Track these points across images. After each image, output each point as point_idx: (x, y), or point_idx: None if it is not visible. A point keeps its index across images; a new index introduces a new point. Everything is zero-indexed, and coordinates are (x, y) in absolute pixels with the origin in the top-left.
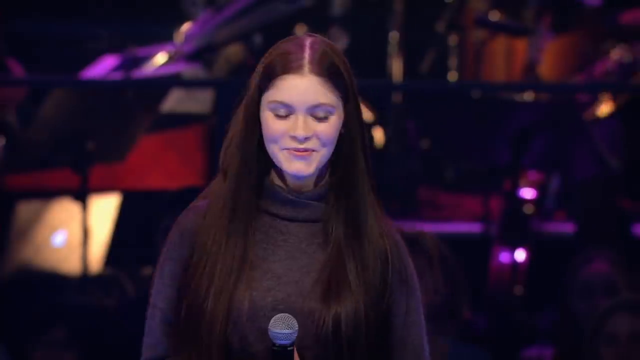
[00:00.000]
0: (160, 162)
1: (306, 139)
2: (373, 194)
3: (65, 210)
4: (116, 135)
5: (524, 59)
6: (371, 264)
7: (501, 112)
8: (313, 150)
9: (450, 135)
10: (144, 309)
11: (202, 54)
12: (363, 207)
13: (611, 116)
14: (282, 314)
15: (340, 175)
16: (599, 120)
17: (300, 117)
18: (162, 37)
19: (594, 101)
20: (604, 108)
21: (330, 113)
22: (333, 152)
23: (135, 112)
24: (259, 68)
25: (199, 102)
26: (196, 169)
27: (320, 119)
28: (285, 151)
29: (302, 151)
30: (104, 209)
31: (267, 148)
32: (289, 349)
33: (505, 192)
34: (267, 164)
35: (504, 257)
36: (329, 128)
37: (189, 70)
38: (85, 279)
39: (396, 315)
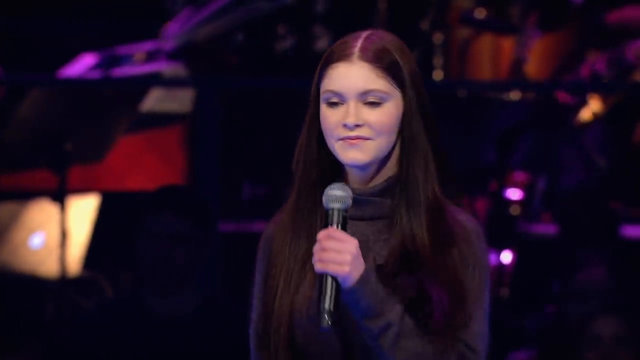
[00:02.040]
0: (140, 163)
1: (357, 126)
2: (438, 186)
3: (43, 212)
4: (95, 135)
5: (510, 57)
6: (437, 257)
7: (487, 112)
8: (367, 139)
9: None
10: (123, 312)
11: (182, 52)
12: (425, 200)
13: (600, 117)
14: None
15: (404, 168)
16: (587, 122)
17: (350, 104)
18: (142, 34)
19: (582, 102)
20: (593, 109)
21: (384, 100)
22: (399, 143)
23: (114, 112)
24: (319, 64)
25: (180, 101)
26: (177, 169)
27: (372, 107)
28: (340, 142)
29: (354, 139)
30: (83, 210)
31: (328, 143)
32: (343, 214)
33: (491, 193)
34: (333, 162)
35: (490, 259)
36: (382, 116)
37: (169, 68)
38: (63, 282)
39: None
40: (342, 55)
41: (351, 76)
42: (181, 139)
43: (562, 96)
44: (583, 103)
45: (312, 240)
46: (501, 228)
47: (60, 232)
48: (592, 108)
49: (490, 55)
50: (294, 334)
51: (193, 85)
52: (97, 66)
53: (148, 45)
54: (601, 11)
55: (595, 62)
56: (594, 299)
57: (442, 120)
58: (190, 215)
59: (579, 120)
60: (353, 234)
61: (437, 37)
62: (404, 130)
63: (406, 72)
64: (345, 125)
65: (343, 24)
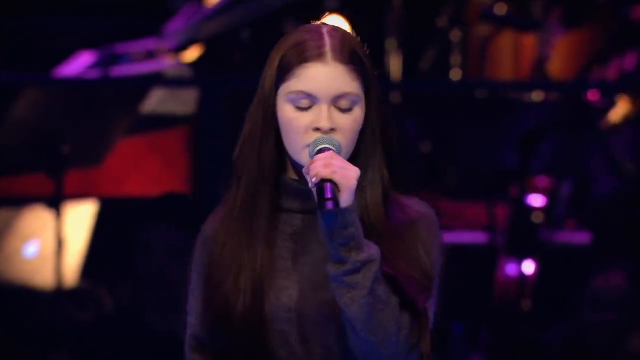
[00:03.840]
0: (140, 167)
1: (331, 130)
2: (391, 186)
3: (37, 218)
4: (93, 137)
5: (532, 55)
6: (393, 240)
7: (508, 113)
8: None
9: (452, 137)
10: (122, 325)
11: (186, 50)
12: (374, 202)
13: (628, 120)
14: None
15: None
16: (615, 125)
17: (324, 107)
18: (142, 31)
19: (610, 103)
20: (620, 110)
21: (355, 103)
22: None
23: (113, 113)
24: (273, 60)
25: (183, 102)
26: (179, 174)
27: (343, 111)
28: (308, 148)
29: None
30: (80, 217)
31: (287, 146)
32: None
33: (512, 199)
34: (282, 161)
35: (510, 269)
36: (353, 121)
37: (171, 68)
38: (59, 293)
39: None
40: (313, 55)
41: (326, 77)
42: (184, 142)
43: (591, 96)
44: (611, 104)
45: (271, 241)
46: (522, 236)
47: (56, 240)
48: (621, 109)
49: (511, 53)
50: (267, 338)
51: (197, 85)
52: (95, 65)
53: (149, 43)
54: (628, 5)
55: (624, 59)
56: (622, 311)
57: (460, 123)
58: (192, 227)
59: (607, 122)
60: (298, 228)
61: (455, 34)
62: (364, 134)
63: (371, 74)
64: (317, 130)
65: (355, 21)
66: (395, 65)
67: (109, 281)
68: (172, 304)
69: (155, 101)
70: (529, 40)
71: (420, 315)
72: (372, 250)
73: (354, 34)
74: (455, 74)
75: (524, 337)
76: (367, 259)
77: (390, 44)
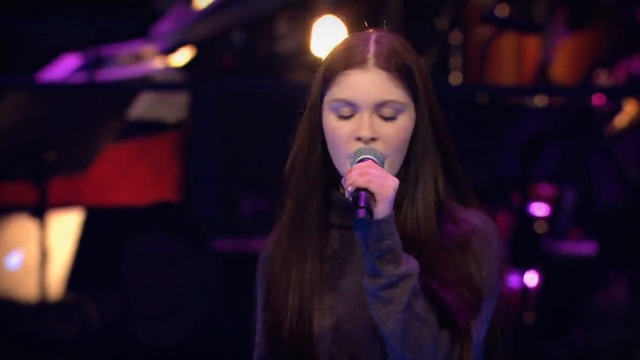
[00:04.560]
0: (128, 175)
1: (372, 139)
2: (449, 202)
3: (20, 229)
4: (79, 143)
5: (535, 58)
6: (444, 256)
7: (510, 119)
8: None
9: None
10: (109, 340)
11: (176, 52)
12: (425, 215)
13: (635, 125)
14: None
15: (408, 182)
16: (621, 130)
17: (365, 115)
18: (130, 33)
19: (616, 108)
20: (627, 116)
21: (399, 112)
22: (407, 158)
23: (100, 118)
24: (320, 68)
25: (173, 107)
26: (169, 182)
27: (387, 119)
28: (350, 159)
29: None
30: (65, 227)
31: (333, 157)
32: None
33: (514, 208)
34: (333, 174)
35: (512, 280)
36: (398, 130)
37: (161, 71)
38: (43, 306)
39: None
40: (355, 62)
41: (367, 85)
42: (174, 148)
43: (596, 100)
44: (618, 109)
45: (320, 258)
46: (525, 247)
47: (40, 251)
48: (628, 114)
49: (513, 57)
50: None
51: (187, 89)
52: (81, 68)
53: (137, 45)
54: (635, 6)
55: (631, 63)
56: (630, 325)
57: (460, 129)
58: (183, 236)
59: (613, 128)
60: (353, 247)
61: (455, 37)
62: (415, 145)
63: (420, 80)
64: (358, 139)
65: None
66: None
67: (95, 294)
68: (163, 316)
69: (144, 106)
70: (532, 43)
71: (462, 334)
72: (410, 264)
73: (405, 41)
74: (455, 78)
75: (527, 352)
76: (404, 273)
77: None
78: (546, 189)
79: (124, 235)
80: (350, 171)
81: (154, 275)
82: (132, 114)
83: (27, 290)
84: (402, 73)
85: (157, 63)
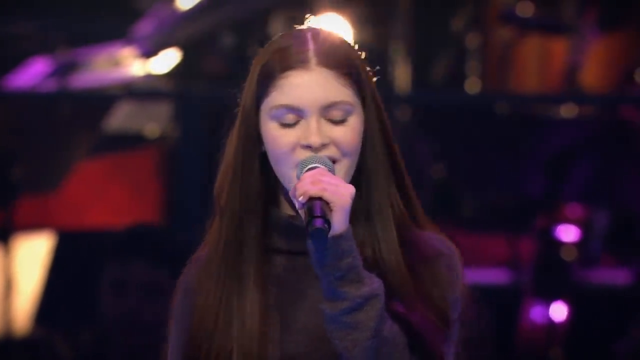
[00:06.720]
0: (104, 194)
1: (323, 146)
2: (404, 211)
3: None
4: (49, 159)
5: (563, 63)
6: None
7: (533, 131)
8: (333, 161)
9: (469, 160)
10: None
11: (158, 56)
12: (385, 231)
13: None
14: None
15: (364, 193)
16: None
17: (312, 120)
18: (106, 35)
19: None
20: None
21: (349, 113)
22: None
23: (73, 131)
24: (253, 72)
25: (154, 118)
26: (149, 201)
27: (336, 123)
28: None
29: None
30: (33, 253)
31: (276, 169)
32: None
33: (539, 232)
34: (273, 190)
35: (537, 312)
36: (349, 132)
37: (141, 78)
38: (8, 342)
39: None
40: (295, 61)
41: (311, 86)
42: (155, 164)
43: (627, 111)
44: None
45: (263, 287)
46: (551, 275)
47: (5, 280)
48: None
49: (537, 62)
50: None
51: (171, 98)
52: (51, 74)
53: (115, 48)
54: None
55: None
56: None
57: (477, 142)
58: (165, 263)
59: None
60: (300, 274)
61: (472, 39)
62: (365, 150)
63: (366, 80)
64: (307, 147)
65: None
66: (402, 75)
67: (67, 328)
68: (143, 352)
69: (122, 117)
70: (559, 46)
71: (433, 359)
72: (375, 284)
73: (344, 38)
74: (472, 86)
75: None
76: (369, 294)
77: (397, 50)
78: (575, 210)
79: (99, 263)
80: (300, 181)
81: (133, 306)
82: (108, 126)
83: None
84: (348, 71)
85: (136, 68)
